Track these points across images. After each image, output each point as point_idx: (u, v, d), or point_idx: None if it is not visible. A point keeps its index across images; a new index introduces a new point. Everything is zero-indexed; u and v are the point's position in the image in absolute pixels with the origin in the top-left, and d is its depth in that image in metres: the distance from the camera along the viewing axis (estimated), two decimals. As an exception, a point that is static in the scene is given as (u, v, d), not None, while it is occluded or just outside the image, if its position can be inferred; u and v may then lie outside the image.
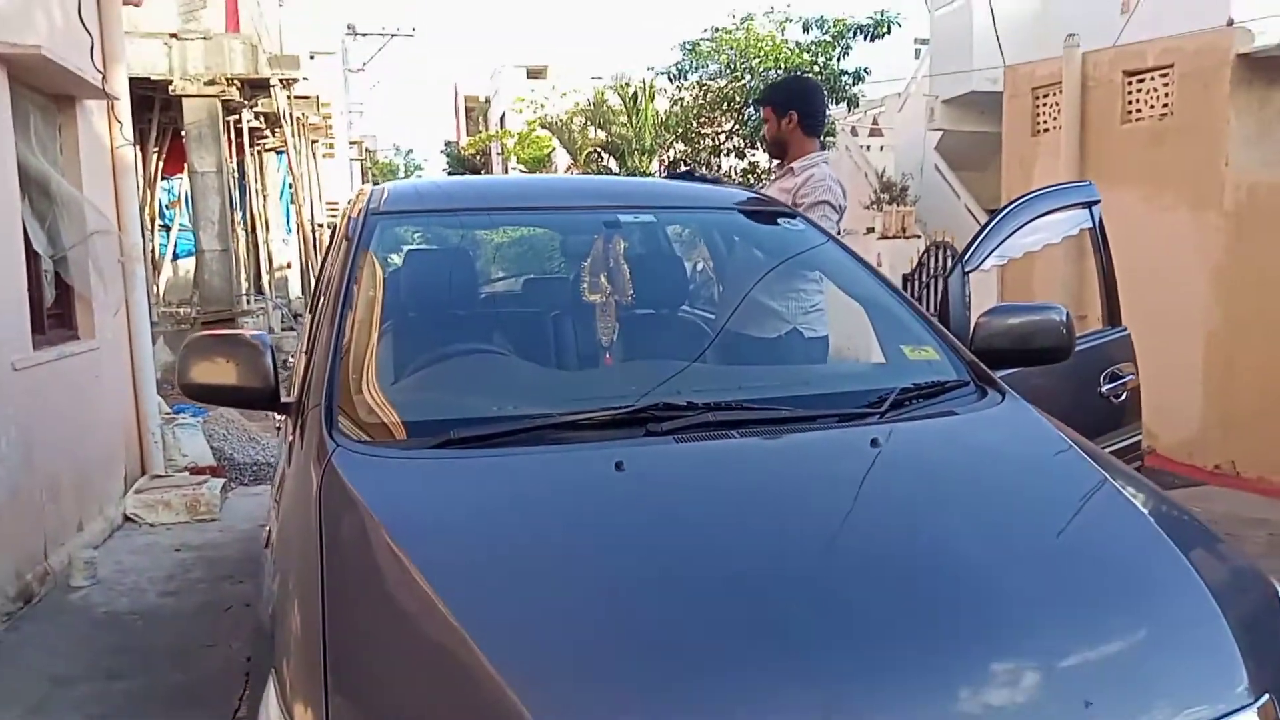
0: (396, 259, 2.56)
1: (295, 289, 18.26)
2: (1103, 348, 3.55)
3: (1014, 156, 8.08)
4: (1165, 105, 6.45)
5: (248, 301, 14.21)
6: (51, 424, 4.84)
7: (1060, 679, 1.42)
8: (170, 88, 11.90)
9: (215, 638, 4.08)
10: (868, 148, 15.03)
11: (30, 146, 5.05)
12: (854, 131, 15.87)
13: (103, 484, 5.66)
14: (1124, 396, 3.49)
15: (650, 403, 2.05)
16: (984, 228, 3.44)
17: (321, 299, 2.61)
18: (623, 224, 2.85)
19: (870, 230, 10.96)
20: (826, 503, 1.83)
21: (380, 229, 2.60)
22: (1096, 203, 3.71)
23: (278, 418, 4.11)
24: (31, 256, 5.00)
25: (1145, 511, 1.84)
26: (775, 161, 3.99)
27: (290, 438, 2.24)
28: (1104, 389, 3.44)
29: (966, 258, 3.30)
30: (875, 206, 11.64)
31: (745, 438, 1.99)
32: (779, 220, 3.03)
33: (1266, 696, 1.45)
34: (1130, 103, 6.75)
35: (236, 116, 14.41)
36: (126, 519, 5.78)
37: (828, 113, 4.19)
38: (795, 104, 3.73)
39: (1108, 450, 3.36)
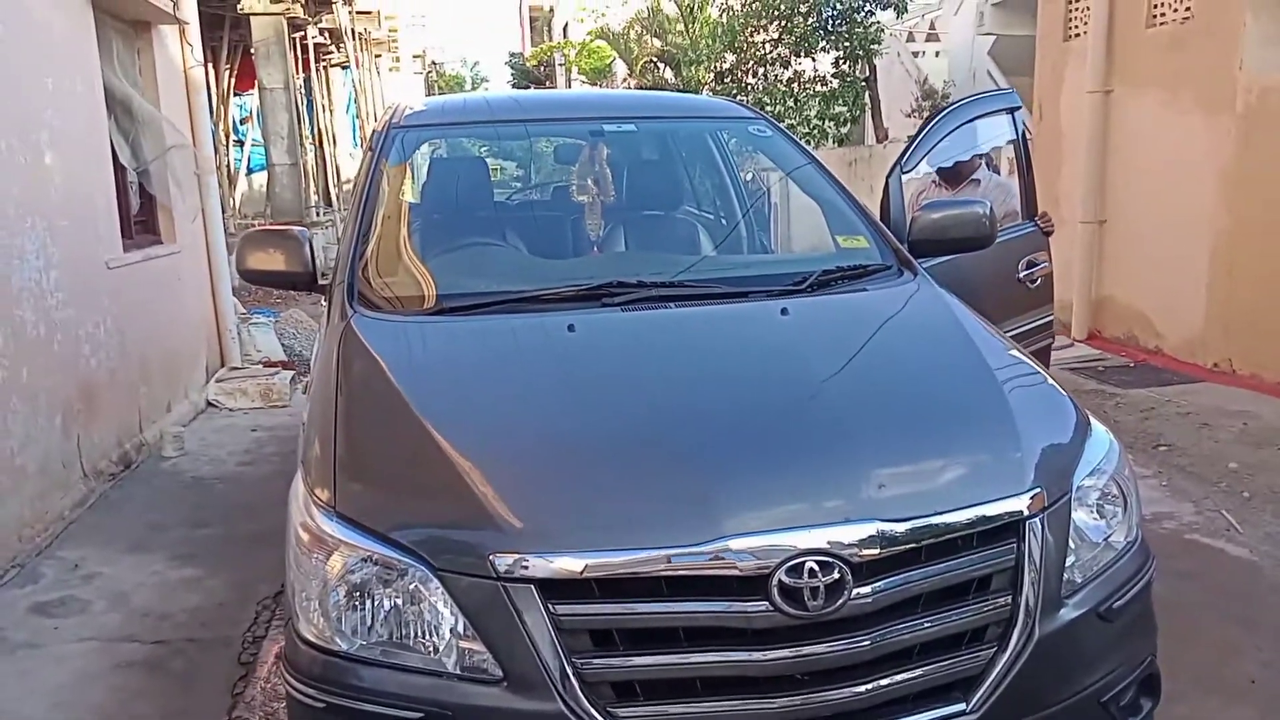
0: (409, 165, 3.05)
1: (363, 202, 18.91)
2: (1021, 240, 3.95)
3: (1046, 62, 8.16)
4: (1187, 8, 6.51)
5: (317, 213, 14.93)
6: (141, 318, 5.54)
7: (873, 469, 1.88)
8: (239, 6, 12.43)
9: (285, 498, 4.75)
10: (922, 53, 14.91)
11: (114, 69, 5.64)
12: (910, 37, 15.71)
13: (188, 373, 6.40)
14: (1039, 282, 3.94)
15: (606, 281, 2.54)
16: (918, 133, 3.83)
17: (351, 198, 3.14)
18: (606, 133, 3.29)
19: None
20: (727, 349, 2.32)
21: (399, 140, 3.09)
22: (1018, 108, 4.06)
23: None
24: (118, 169, 5.63)
25: (988, 359, 2.27)
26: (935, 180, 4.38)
27: (325, 312, 2.79)
28: (1021, 275, 3.86)
29: (903, 161, 3.69)
30: (916, 114, 11.70)
31: (680, 308, 2.47)
32: (750, 129, 3.43)
33: (1038, 488, 1.91)
34: (1155, 6, 6.80)
35: (302, 33, 14.94)
36: (209, 404, 6.54)
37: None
38: None
39: (1023, 328, 3.81)
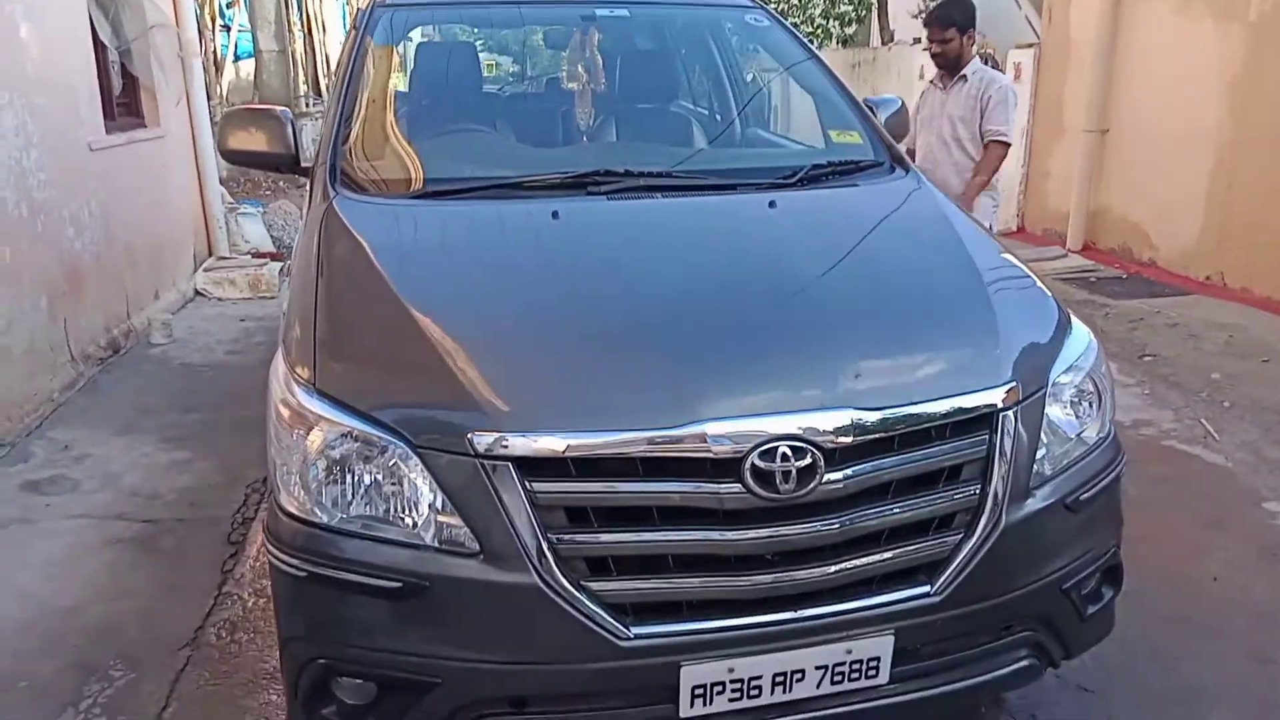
0: (395, 46, 2.97)
1: (354, 93, 18.45)
2: None
3: (1059, -37, 7.91)
4: (1207, -92, 6.28)
5: (306, 103, 14.57)
6: (126, 202, 5.46)
7: (850, 359, 1.89)
8: (223, -119, 11.89)
9: (273, 386, 4.79)
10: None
11: (90, -58, 5.43)
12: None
13: (175, 261, 6.35)
14: None
15: (593, 169, 2.50)
16: None
17: (334, 79, 3.06)
18: (598, 18, 3.20)
19: (916, 40, 10.79)
20: (712, 240, 2.30)
21: (383, 19, 3.00)
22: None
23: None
24: (99, 49, 5.47)
25: (973, 257, 2.26)
26: (938, 71, 4.42)
27: (308, 194, 2.75)
28: None
29: None
30: (922, 16, 11.35)
31: (667, 198, 2.44)
32: (747, 18, 3.33)
33: (1014, 382, 1.92)
34: (1174, -94, 6.57)
35: (290, -88, 14.33)
36: (197, 293, 6.52)
37: None
38: (973, 23, 4.29)
39: None
